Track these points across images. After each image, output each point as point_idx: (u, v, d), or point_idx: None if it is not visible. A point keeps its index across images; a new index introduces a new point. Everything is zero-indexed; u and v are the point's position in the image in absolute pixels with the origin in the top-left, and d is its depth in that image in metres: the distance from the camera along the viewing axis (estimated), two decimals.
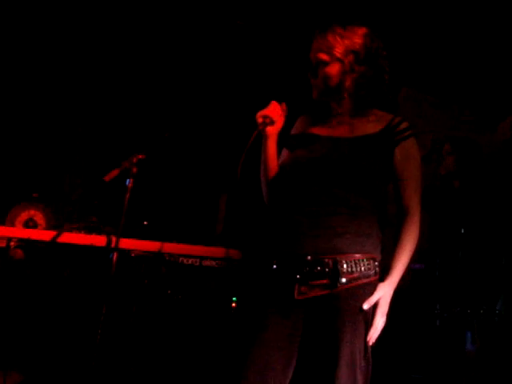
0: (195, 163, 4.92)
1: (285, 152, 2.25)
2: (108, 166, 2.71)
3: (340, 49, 2.07)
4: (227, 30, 4.61)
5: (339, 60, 2.09)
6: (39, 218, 4.05)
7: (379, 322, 1.98)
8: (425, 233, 3.72)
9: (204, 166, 4.84)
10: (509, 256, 3.44)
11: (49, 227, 3.95)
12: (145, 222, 3.85)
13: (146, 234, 3.48)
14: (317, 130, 2.19)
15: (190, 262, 3.19)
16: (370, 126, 2.13)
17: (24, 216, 4.04)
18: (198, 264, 3.17)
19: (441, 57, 4.59)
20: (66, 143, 5.36)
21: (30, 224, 4.02)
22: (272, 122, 2.12)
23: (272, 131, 2.17)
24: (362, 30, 2.12)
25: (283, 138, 2.25)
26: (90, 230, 3.62)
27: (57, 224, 4.02)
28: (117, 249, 2.65)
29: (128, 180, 2.71)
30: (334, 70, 2.10)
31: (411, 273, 3.72)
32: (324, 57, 2.09)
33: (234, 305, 3.25)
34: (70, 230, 3.68)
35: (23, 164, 5.19)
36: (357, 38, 2.09)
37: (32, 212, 4.05)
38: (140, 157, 2.74)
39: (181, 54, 4.93)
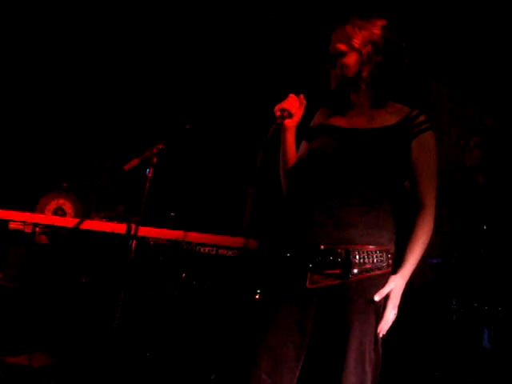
0: (226, 156, 4.96)
1: (304, 144, 2.26)
2: (137, 156, 2.77)
3: (358, 39, 2.08)
4: (247, 22, 4.63)
5: (357, 50, 2.09)
6: (68, 207, 4.13)
7: (390, 314, 1.98)
8: (447, 227, 3.72)
9: (234, 159, 4.87)
10: None
11: (77, 216, 4.03)
12: (172, 214, 3.89)
13: (172, 224, 3.53)
14: (335, 122, 2.20)
15: (206, 250, 3.23)
16: (388, 117, 2.13)
17: (53, 205, 4.13)
18: (214, 253, 3.21)
19: (472, 51, 4.54)
20: (96, 133, 5.45)
21: (58, 213, 4.10)
22: (290, 115, 2.14)
23: (290, 124, 2.19)
24: (380, 22, 2.12)
25: (302, 131, 2.26)
26: (115, 220, 3.68)
27: (85, 213, 4.09)
28: (136, 236, 2.71)
29: (148, 169, 2.77)
30: (351, 59, 2.10)
31: (431, 268, 3.72)
32: (342, 47, 2.10)
33: (257, 297, 3.28)
34: (93, 218, 3.74)
35: (55, 153, 5.29)
36: (376, 29, 2.09)
37: (61, 201, 4.14)
38: (160, 147, 2.79)
39: (204, 45, 4.97)
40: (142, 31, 5.03)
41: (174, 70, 5.21)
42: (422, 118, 2.12)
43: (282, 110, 2.12)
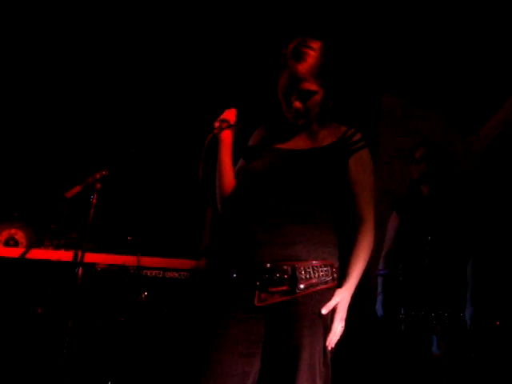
0: (179, 177, 4.94)
1: (241, 162, 2.28)
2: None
3: (322, 75, 2.09)
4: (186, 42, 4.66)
5: (322, 87, 2.12)
6: (20, 236, 4.06)
7: (338, 327, 2.02)
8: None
9: (189, 179, 4.86)
10: (476, 260, 3.50)
11: (30, 245, 3.95)
12: (129, 238, 3.87)
13: (122, 249, 3.50)
14: (273, 142, 2.23)
15: (153, 274, 3.23)
16: (325, 138, 2.20)
17: (5, 235, 4.05)
18: (161, 276, 3.21)
19: (423, 63, 4.66)
20: (49, 160, 5.37)
21: (10, 243, 4.02)
22: (228, 126, 2.17)
23: (227, 135, 2.21)
24: (321, 45, 2.13)
25: (240, 150, 2.28)
26: (68, 247, 3.63)
27: (38, 241, 4.02)
28: (82, 263, 2.68)
29: (92, 196, 2.75)
30: (319, 97, 2.13)
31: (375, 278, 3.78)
32: (313, 87, 2.09)
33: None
34: (40, 247, 3.69)
35: (6, 182, 5.18)
36: (323, 56, 2.11)
37: (13, 231, 4.06)
38: (104, 173, 2.78)
39: (138, 66, 4.97)
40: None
41: (117, 93, 5.19)
42: (357, 137, 2.19)
43: (222, 121, 2.16)
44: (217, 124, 2.16)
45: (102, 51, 4.85)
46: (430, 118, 5.35)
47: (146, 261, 3.28)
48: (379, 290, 3.68)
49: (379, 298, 3.66)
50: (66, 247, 3.68)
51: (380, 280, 3.70)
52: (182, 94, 5.02)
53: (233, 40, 4.60)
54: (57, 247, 3.74)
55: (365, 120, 5.08)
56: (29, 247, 3.61)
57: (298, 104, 2.11)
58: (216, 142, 2.19)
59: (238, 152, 2.27)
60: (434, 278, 3.43)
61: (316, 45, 2.12)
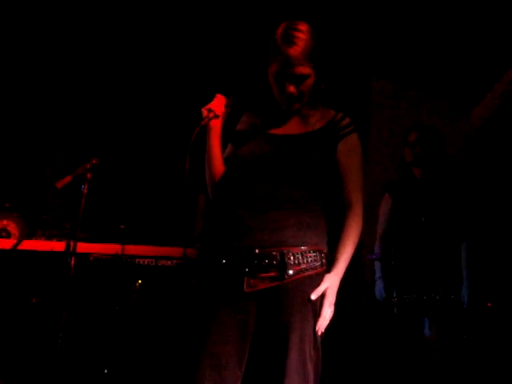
0: (171, 164, 4.93)
1: (230, 147, 2.28)
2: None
3: (314, 57, 2.09)
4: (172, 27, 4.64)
5: (314, 70, 2.11)
6: (12, 227, 4.05)
7: (327, 312, 2.03)
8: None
9: (181, 166, 4.84)
10: (469, 243, 3.53)
11: (22, 236, 3.95)
12: (122, 226, 3.87)
13: (114, 238, 3.51)
14: (262, 127, 2.23)
15: (146, 262, 3.24)
16: (314, 122, 2.20)
17: None
18: (153, 264, 3.22)
19: (413, 47, 4.65)
20: (42, 149, 5.35)
21: (3, 234, 4.01)
22: (216, 116, 2.16)
23: (215, 124, 2.20)
24: (311, 29, 2.12)
25: (228, 133, 2.28)
26: (61, 237, 3.64)
27: (30, 232, 4.02)
28: (74, 253, 2.69)
29: (83, 185, 2.76)
30: (312, 80, 2.13)
31: (370, 263, 3.81)
32: (306, 70, 2.09)
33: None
34: (32, 237, 3.69)
35: None
36: (314, 40, 2.10)
37: (5, 222, 4.05)
38: (94, 162, 2.79)
39: (127, 55, 4.95)
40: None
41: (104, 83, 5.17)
42: (346, 121, 2.20)
43: (209, 111, 2.15)
44: (205, 113, 2.14)
45: (92, 42, 4.83)
46: (420, 101, 5.36)
47: (139, 249, 3.29)
48: (378, 274, 3.70)
49: (379, 283, 3.67)
50: (59, 237, 3.68)
51: (377, 265, 3.72)
52: (170, 81, 5.00)
53: (217, 24, 4.57)
54: (49, 238, 3.74)
55: (355, 104, 5.09)
56: (21, 238, 3.61)
57: (291, 88, 2.10)
58: (204, 130, 2.19)
59: (225, 136, 2.26)
60: (428, 261, 3.45)
61: (305, 27, 2.11)
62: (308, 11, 4.16)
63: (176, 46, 4.80)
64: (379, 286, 3.67)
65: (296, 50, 2.05)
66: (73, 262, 2.72)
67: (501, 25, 3.94)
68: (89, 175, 2.75)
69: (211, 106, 2.16)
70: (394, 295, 3.52)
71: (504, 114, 4.83)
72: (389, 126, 5.28)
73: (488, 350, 4.05)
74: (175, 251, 3.26)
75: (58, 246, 3.38)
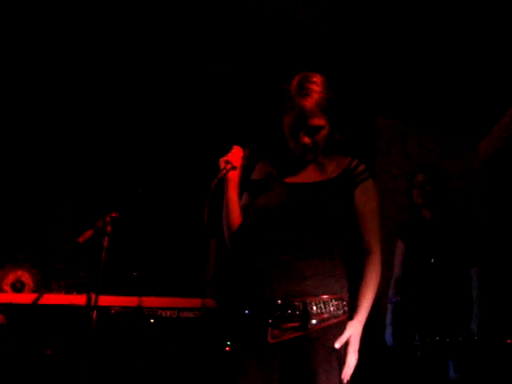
0: (179, 211, 4.95)
1: (246, 196, 2.30)
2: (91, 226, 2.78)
3: (328, 109, 2.12)
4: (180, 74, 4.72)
5: (329, 121, 2.16)
6: (26, 278, 4.06)
7: (352, 360, 2.03)
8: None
9: (190, 212, 4.86)
10: (480, 280, 3.53)
11: (36, 286, 3.96)
12: (135, 273, 3.87)
13: (133, 290, 3.51)
14: (278, 176, 2.25)
15: (168, 314, 3.23)
16: (329, 170, 2.23)
17: (11, 278, 4.05)
18: (175, 316, 3.21)
19: (418, 82, 4.70)
20: (52, 200, 5.41)
21: (17, 285, 4.02)
22: (234, 168, 2.18)
23: (233, 176, 2.22)
24: (323, 80, 2.17)
25: (245, 182, 2.30)
26: (77, 287, 3.64)
27: (44, 282, 4.03)
28: (96, 306, 2.70)
29: (103, 239, 2.78)
30: (326, 131, 2.17)
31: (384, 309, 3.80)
32: (322, 122, 2.13)
33: (227, 349, 3.27)
34: (53, 290, 3.70)
35: (9, 224, 5.21)
36: (328, 91, 2.14)
37: (19, 273, 4.07)
38: (113, 215, 2.82)
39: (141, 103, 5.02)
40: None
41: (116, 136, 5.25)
42: (361, 168, 2.22)
43: (226, 163, 2.16)
44: (223, 164, 2.17)
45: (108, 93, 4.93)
46: (426, 138, 5.39)
47: (159, 301, 3.29)
48: (388, 320, 3.72)
49: (389, 329, 3.69)
50: (75, 287, 3.68)
51: (390, 309, 3.72)
52: (186, 132, 5.07)
53: (227, 74, 4.66)
54: (66, 289, 3.74)
55: (363, 144, 5.14)
56: (40, 292, 3.62)
57: (306, 140, 2.13)
58: (222, 182, 2.22)
59: (242, 186, 2.28)
60: (442, 302, 3.46)
61: (319, 79, 2.15)
62: (314, 58, 4.25)
63: (194, 97, 4.88)
64: (389, 332, 3.69)
65: (311, 102, 2.09)
66: (95, 315, 2.72)
67: (504, 59, 3.99)
68: (109, 228, 2.77)
69: (229, 157, 2.18)
70: (417, 338, 3.50)
71: (510, 148, 4.85)
72: (396, 164, 5.31)
73: None
74: (196, 302, 3.25)
75: (78, 299, 3.39)
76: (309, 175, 2.23)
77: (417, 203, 3.70)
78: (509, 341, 4.16)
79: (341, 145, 2.27)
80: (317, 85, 2.12)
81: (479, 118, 4.94)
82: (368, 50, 4.34)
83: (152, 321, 3.22)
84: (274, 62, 4.35)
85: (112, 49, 4.44)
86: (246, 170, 2.29)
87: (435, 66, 4.41)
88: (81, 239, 2.69)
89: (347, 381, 2.03)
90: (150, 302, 3.27)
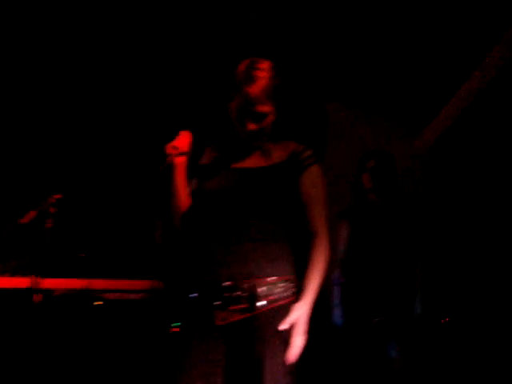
0: (127, 194, 4.87)
1: (194, 182, 2.29)
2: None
3: (274, 95, 2.14)
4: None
5: (274, 107, 2.17)
6: None
7: (298, 341, 2.05)
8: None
9: (138, 195, 4.80)
10: (422, 263, 3.63)
11: None
12: (81, 255, 3.81)
13: (77, 272, 3.45)
14: (227, 161, 2.27)
15: (114, 296, 3.21)
16: (276, 156, 2.24)
17: None
18: (122, 298, 3.19)
19: (365, 69, 4.73)
20: None
21: None
22: (181, 153, 2.18)
23: (181, 161, 2.22)
24: (271, 66, 2.18)
25: (192, 168, 2.30)
26: (22, 269, 3.56)
27: None
28: (39, 289, 2.66)
29: (47, 220, 2.73)
30: (272, 117, 2.19)
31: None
32: (267, 109, 2.15)
33: (173, 330, 3.25)
34: None
35: None
36: (273, 77, 2.16)
37: None
38: (57, 196, 2.77)
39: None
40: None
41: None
42: (307, 153, 2.25)
43: (174, 148, 2.17)
44: (170, 150, 2.16)
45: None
46: (374, 124, 5.48)
47: (105, 284, 3.25)
48: (336, 300, 3.76)
49: (336, 310, 3.73)
50: (18, 270, 3.60)
51: (337, 290, 3.78)
52: (136, 116, 4.99)
53: (177, 59, 4.60)
54: (11, 271, 3.65)
55: (312, 130, 5.17)
56: None
57: (252, 126, 2.15)
58: (169, 167, 2.20)
59: (189, 171, 2.28)
60: (386, 284, 3.54)
61: (266, 65, 2.16)
62: (262, 42, 4.24)
63: (142, 81, 4.81)
64: (337, 313, 3.72)
65: (256, 89, 2.10)
66: (37, 298, 2.68)
67: (450, 48, 4.06)
68: (52, 209, 2.73)
69: (176, 143, 2.18)
70: (359, 319, 3.58)
71: (453, 136, 4.97)
72: (345, 149, 5.37)
73: (447, 365, 4.14)
74: (142, 284, 3.23)
75: (22, 282, 3.31)
76: (255, 160, 2.25)
77: (367, 187, 3.75)
78: (443, 321, 4.31)
79: (288, 131, 2.29)
80: (263, 71, 2.13)
81: (424, 106, 5.04)
82: (318, 35, 4.35)
83: (98, 303, 3.18)
84: (223, 47, 4.32)
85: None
86: (195, 155, 2.29)
87: (381, 53, 4.46)
88: (23, 220, 2.64)
89: (294, 362, 2.06)
90: (96, 284, 3.23)
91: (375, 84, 4.93)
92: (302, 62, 4.70)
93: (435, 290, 4.33)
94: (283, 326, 2.02)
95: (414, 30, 4.01)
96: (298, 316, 2.07)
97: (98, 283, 3.25)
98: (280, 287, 2.07)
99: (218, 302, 2.03)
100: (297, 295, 2.12)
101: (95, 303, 3.20)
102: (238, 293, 2.02)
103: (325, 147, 5.39)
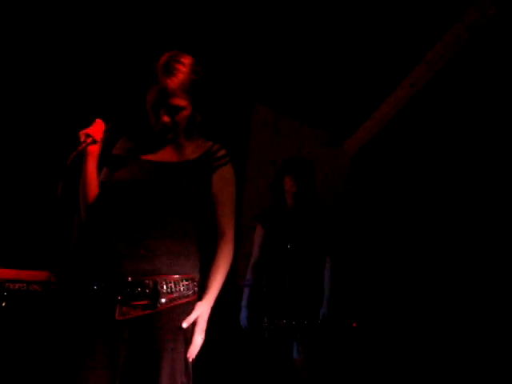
0: (37, 183, 4.73)
1: (105, 172, 2.27)
2: None
3: (191, 91, 2.13)
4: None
5: (191, 103, 2.17)
6: None
7: (198, 339, 2.08)
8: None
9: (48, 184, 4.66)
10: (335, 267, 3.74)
11: None
12: None
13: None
14: (139, 153, 2.24)
15: (17, 287, 3.12)
16: (191, 152, 2.26)
17: None
18: (25, 289, 3.11)
19: (293, 75, 4.77)
20: None
21: None
22: (94, 141, 2.14)
23: (93, 149, 2.19)
24: (191, 62, 2.18)
25: (105, 157, 2.27)
26: None
27: None
28: None
29: None
30: (187, 112, 2.18)
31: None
32: (183, 103, 2.13)
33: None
34: None
35: None
36: (193, 73, 2.15)
37: None
38: None
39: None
40: None
41: None
42: (221, 152, 2.27)
43: (87, 136, 2.12)
44: (83, 137, 2.12)
45: None
46: (299, 130, 5.57)
47: (6, 273, 3.15)
48: (244, 302, 3.82)
49: (243, 311, 3.79)
50: None
51: (246, 292, 3.83)
52: (49, 102, 4.85)
53: (100, 46, 4.52)
54: None
55: (236, 131, 5.20)
56: None
57: (166, 118, 2.14)
58: (81, 155, 2.16)
59: (101, 161, 2.25)
60: (294, 287, 3.62)
61: (187, 60, 2.16)
62: (189, 40, 4.23)
63: (58, 63, 4.68)
64: (243, 314, 3.79)
65: (174, 82, 2.10)
66: None
67: (379, 57, 4.15)
68: None
69: (90, 130, 2.14)
70: (265, 320, 3.64)
71: (377, 145, 5.13)
72: (267, 152, 5.43)
73: (355, 368, 4.27)
74: (42, 275, 3.15)
75: None
76: (167, 155, 2.24)
77: (289, 190, 3.80)
78: (355, 324, 4.45)
79: (205, 128, 2.30)
80: (183, 65, 2.13)
81: (347, 116, 5.16)
82: (247, 37, 4.37)
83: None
84: (150, 39, 4.27)
85: None
86: (108, 144, 2.26)
87: (311, 60, 4.52)
88: None
89: (192, 360, 2.08)
90: None
91: (304, 90, 5.00)
92: (233, 61, 4.71)
93: (348, 294, 4.46)
94: (184, 325, 2.04)
95: (344, 38, 4.08)
96: (199, 315, 2.09)
97: (1, 272, 3.15)
98: (183, 285, 2.08)
99: (119, 297, 2.02)
100: (199, 294, 2.14)
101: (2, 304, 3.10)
102: (141, 289, 2.02)
103: (247, 148, 5.43)
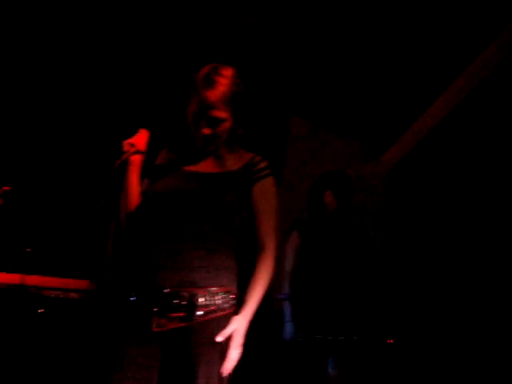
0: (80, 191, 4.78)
1: (146, 182, 2.28)
2: None
3: (232, 103, 2.14)
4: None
5: (232, 115, 2.17)
6: None
7: (234, 354, 2.05)
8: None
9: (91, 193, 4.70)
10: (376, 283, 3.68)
11: None
12: (28, 250, 3.71)
13: (23, 267, 3.35)
14: (180, 164, 2.25)
15: (54, 294, 3.14)
16: (232, 163, 2.24)
17: None
18: (62, 296, 3.13)
19: (332, 88, 4.78)
20: None
21: None
22: (137, 151, 2.17)
23: (136, 159, 2.21)
24: (233, 74, 2.19)
25: (146, 168, 2.28)
26: None
27: None
28: None
29: None
30: (228, 124, 2.18)
31: (278, 303, 3.84)
32: (223, 114, 2.14)
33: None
34: None
35: None
36: (234, 85, 2.16)
37: None
38: (6, 188, 2.71)
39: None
40: None
41: None
42: (262, 165, 2.26)
43: (131, 145, 2.15)
44: (127, 147, 2.15)
45: None
46: (335, 142, 5.54)
47: (44, 280, 3.18)
48: (288, 317, 3.65)
49: (289, 326, 3.62)
50: None
51: (287, 306, 3.67)
52: (92, 112, 4.92)
53: (139, 60, 4.57)
54: None
55: (273, 143, 5.20)
56: None
57: (206, 130, 2.14)
58: (124, 164, 2.18)
59: (144, 171, 2.26)
60: (334, 301, 3.56)
61: (227, 72, 2.17)
62: (228, 52, 4.25)
63: (101, 77, 4.75)
64: (289, 329, 3.62)
65: (214, 94, 2.10)
66: None
67: (417, 72, 4.12)
68: (1, 201, 2.66)
69: (134, 140, 2.17)
70: (301, 334, 3.58)
71: (414, 160, 5.06)
72: (304, 164, 5.40)
73: None
74: (80, 284, 3.17)
75: None
76: (208, 166, 2.24)
77: (330, 205, 3.75)
78: (390, 341, 4.36)
79: (246, 140, 2.29)
80: (224, 77, 2.14)
81: (385, 128, 5.11)
82: (289, 49, 4.37)
83: (37, 300, 3.11)
84: (191, 52, 4.30)
85: None
86: (151, 156, 2.27)
87: (349, 75, 4.51)
88: None
89: (228, 374, 2.05)
90: (35, 280, 3.15)
91: (341, 103, 4.98)
92: (271, 74, 4.72)
93: (386, 309, 4.38)
94: (219, 338, 2.02)
95: (381, 51, 4.06)
96: (236, 329, 2.06)
97: (37, 279, 3.18)
98: (220, 298, 2.06)
99: (156, 308, 2.00)
100: (237, 307, 2.11)
101: (39, 311, 3.12)
102: (178, 301, 2.00)
103: (284, 161, 5.42)
